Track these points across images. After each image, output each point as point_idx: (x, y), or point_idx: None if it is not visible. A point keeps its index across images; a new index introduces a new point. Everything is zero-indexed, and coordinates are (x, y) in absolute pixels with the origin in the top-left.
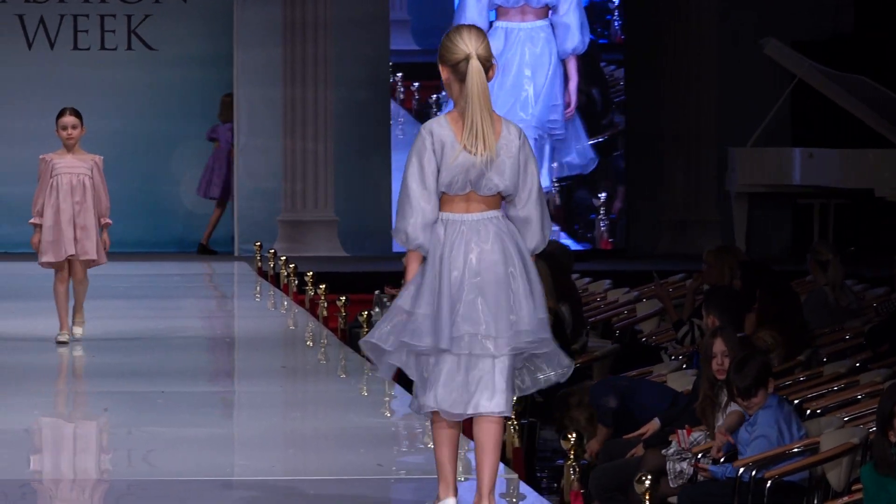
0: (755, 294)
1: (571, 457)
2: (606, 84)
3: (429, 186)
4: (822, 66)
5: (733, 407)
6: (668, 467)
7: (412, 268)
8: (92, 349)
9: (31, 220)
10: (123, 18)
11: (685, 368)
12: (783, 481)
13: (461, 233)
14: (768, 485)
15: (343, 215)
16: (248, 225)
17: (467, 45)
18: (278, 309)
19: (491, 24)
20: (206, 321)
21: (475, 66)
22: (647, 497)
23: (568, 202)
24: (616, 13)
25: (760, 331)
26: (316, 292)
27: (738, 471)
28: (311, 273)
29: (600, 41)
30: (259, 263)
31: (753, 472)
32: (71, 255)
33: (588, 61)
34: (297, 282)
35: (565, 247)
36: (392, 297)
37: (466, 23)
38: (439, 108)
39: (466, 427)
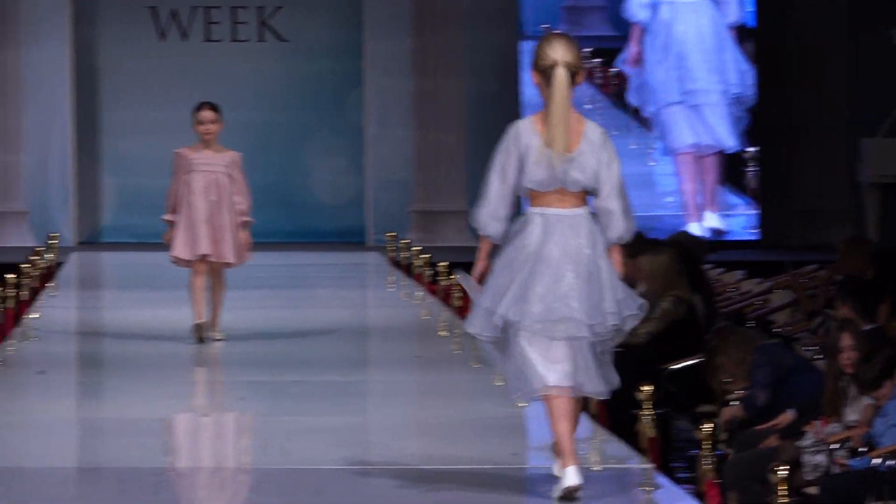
0: (888, 285)
1: (706, 446)
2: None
3: (507, 182)
4: None
5: (866, 399)
6: (804, 459)
7: (483, 250)
8: (229, 339)
9: (164, 217)
10: (255, 10)
11: (819, 359)
12: None
13: (553, 225)
14: None
15: (475, 206)
16: (380, 215)
17: (555, 52)
18: (412, 299)
19: None
20: (341, 311)
21: (560, 73)
22: (784, 488)
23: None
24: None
25: (894, 321)
26: (449, 282)
27: (875, 461)
28: (444, 263)
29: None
30: (392, 253)
31: (890, 462)
32: (205, 256)
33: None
34: (430, 272)
35: (699, 238)
36: None
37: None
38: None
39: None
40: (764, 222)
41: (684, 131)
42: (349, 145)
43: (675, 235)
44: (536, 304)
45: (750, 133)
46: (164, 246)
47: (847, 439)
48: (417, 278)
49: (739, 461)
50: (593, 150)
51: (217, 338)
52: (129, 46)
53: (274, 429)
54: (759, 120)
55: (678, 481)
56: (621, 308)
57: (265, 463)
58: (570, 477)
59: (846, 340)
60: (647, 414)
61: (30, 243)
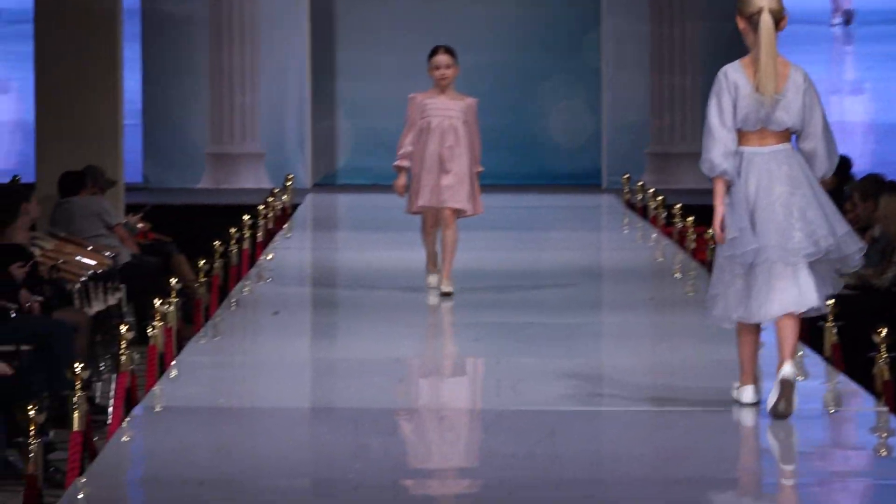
0: None
1: (883, 350)
2: None
3: (727, 122)
4: None
5: None
6: None
7: (719, 193)
8: (463, 281)
9: (396, 163)
10: None
11: None
12: None
13: (756, 163)
14: None
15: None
16: (615, 157)
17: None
18: (646, 241)
19: None
20: (574, 253)
21: (766, 19)
22: None
23: None
24: None
25: None
26: (684, 224)
27: None
28: (679, 205)
29: None
30: (627, 196)
31: None
32: (438, 203)
33: None
34: (665, 214)
35: None
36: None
37: None
38: None
39: None
40: None
41: None
42: (585, 88)
43: None
44: (755, 236)
45: None
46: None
47: None
48: (652, 220)
49: None
50: (798, 92)
51: (445, 290)
52: None
53: (506, 370)
54: None
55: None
56: (834, 227)
57: (498, 404)
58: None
59: None
60: (883, 357)
61: (266, 185)
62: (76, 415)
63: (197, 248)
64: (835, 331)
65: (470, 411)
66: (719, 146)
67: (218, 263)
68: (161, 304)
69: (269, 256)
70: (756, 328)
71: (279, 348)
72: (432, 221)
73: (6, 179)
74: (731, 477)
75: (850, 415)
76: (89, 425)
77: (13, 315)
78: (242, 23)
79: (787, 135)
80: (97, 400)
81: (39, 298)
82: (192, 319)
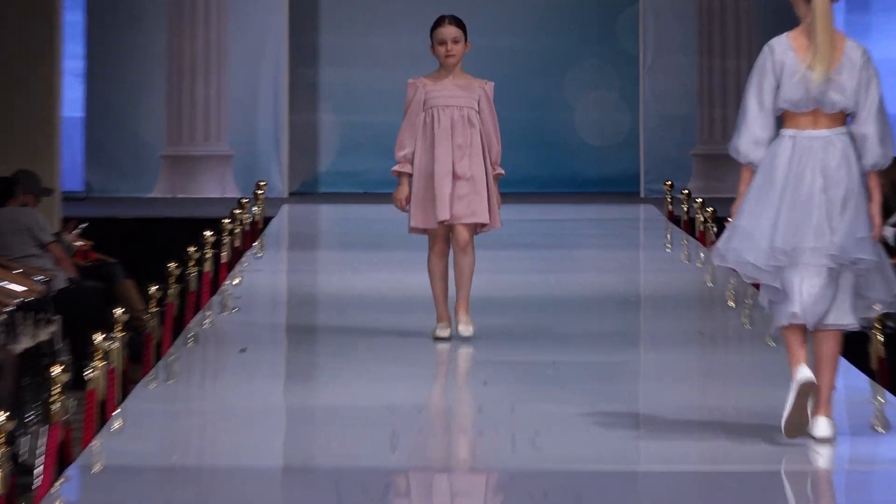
0: None
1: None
2: None
3: (765, 106)
4: None
5: None
6: None
7: (744, 180)
8: (471, 310)
9: (396, 168)
10: None
11: None
12: None
13: (808, 149)
14: None
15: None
16: (655, 160)
17: None
18: (693, 261)
19: None
20: (606, 276)
21: None
22: None
23: None
24: None
25: None
26: None
27: None
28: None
29: None
30: (670, 206)
31: None
32: (450, 218)
33: None
34: (716, 228)
35: None
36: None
37: None
38: None
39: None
40: None
41: None
42: (619, 76)
43: None
44: (785, 232)
45: None
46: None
47: None
48: (700, 237)
49: None
50: (853, 70)
51: (464, 333)
52: None
53: (523, 421)
54: None
55: None
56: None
57: (512, 463)
58: (821, 428)
59: None
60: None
61: (233, 194)
62: None
63: (148, 270)
64: (881, 340)
65: (478, 471)
66: (750, 132)
67: (173, 290)
68: (103, 339)
69: (236, 281)
70: (803, 331)
71: (247, 394)
72: (443, 243)
73: None
74: None
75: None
76: (13, 489)
77: None
78: (209, 1)
79: (843, 117)
80: (23, 458)
81: None
82: (140, 358)
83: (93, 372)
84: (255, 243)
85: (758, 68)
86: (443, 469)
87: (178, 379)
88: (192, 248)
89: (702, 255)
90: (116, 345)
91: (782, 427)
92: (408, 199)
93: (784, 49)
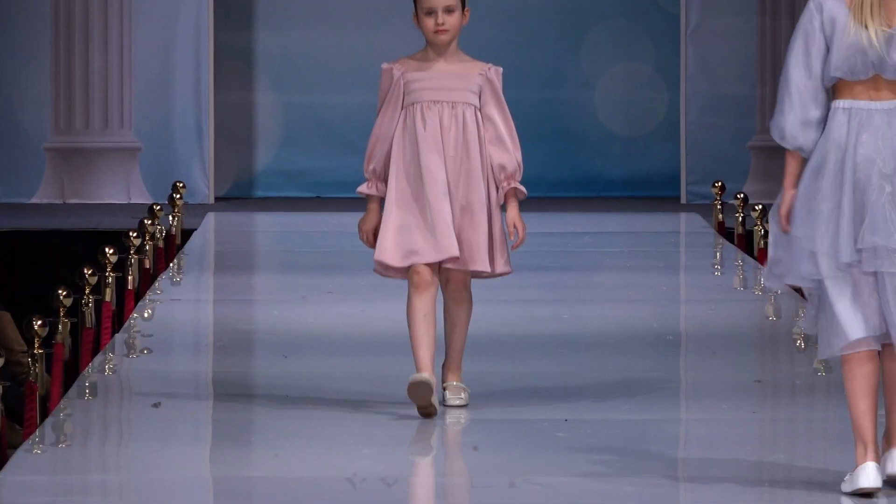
0: None
1: None
2: None
3: (814, 75)
4: None
5: None
6: None
7: (790, 171)
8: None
9: (362, 189)
10: None
11: None
12: None
13: (868, 125)
14: None
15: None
16: (700, 156)
17: None
18: (751, 288)
19: None
20: (637, 308)
21: None
22: None
23: None
24: None
25: None
26: None
27: None
28: None
29: None
30: (720, 215)
31: None
32: (436, 257)
33: None
34: None
35: None
36: None
37: None
38: None
39: None
40: None
41: None
42: (654, 44)
43: None
44: (849, 236)
45: None
46: (354, 206)
47: None
48: (760, 255)
49: None
50: None
51: (453, 401)
52: None
53: (527, 499)
54: None
55: None
56: None
57: None
58: (867, 476)
59: None
60: None
61: (142, 199)
62: None
63: (30, 300)
64: None
65: None
66: (796, 111)
67: (63, 325)
68: None
69: (147, 314)
70: (873, 357)
71: (162, 462)
72: (426, 289)
73: None
74: None
75: None
76: None
77: None
78: None
79: None
80: None
81: None
82: (20, 416)
83: None
84: (172, 264)
85: (802, 29)
86: None
87: (71, 443)
88: (87, 271)
89: (761, 279)
90: None
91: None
92: (376, 230)
93: (835, 4)
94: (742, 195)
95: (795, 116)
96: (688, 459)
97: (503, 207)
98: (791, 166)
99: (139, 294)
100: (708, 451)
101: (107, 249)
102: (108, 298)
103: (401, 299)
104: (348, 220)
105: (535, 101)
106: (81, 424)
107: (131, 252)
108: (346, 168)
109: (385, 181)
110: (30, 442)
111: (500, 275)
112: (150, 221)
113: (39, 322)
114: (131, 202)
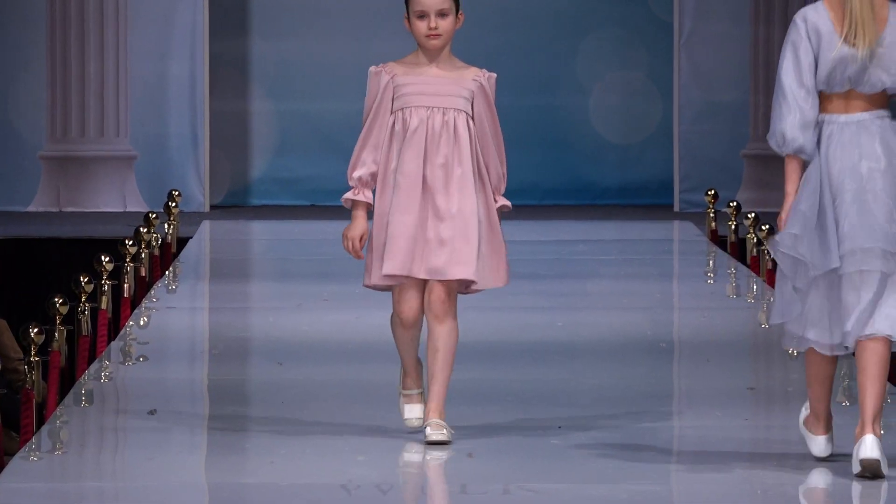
0: None
1: None
2: None
3: (806, 83)
4: None
5: None
6: None
7: (791, 176)
8: (455, 361)
9: (348, 196)
10: None
11: None
12: None
13: (841, 136)
14: None
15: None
16: (695, 162)
17: None
18: (743, 296)
19: None
20: (630, 315)
21: None
22: None
23: None
24: None
25: None
26: None
27: None
28: None
29: None
30: (713, 224)
31: None
32: (424, 272)
33: None
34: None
35: None
36: None
37: None
38: None
39: None
40: None
41: None
42: (648, 51)
43: None
44: (827, 236)
45: None
46: (350, 214)
47: None
48: (752, 263)
49: None
50: None
51: (433, 437)
52: None
53: (514, 503)
54: None
55: None
56: None
57: None
58: (817, 446)
59: None
60: None
61: (137, 207)
62: None
63: (26, 307)
64: None
65: None
66: (794, 114)
67: (59, 333)
68: None
69: (142, 322)
70: (832, 359)
71: (157, 470)
72: (413, 303)
73: None
74: None
75: None
76: None
77: None
78: None
79: (884, 99)
80: None
81: None
82: (16, 423)
83: None
84: (167, 272)
85: (791, 42)
86: None
87: (67, 450)
88: (83, 279)
89: (755, 286)
90: None
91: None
92: (364, 241)
93: (818, 18)
94: (735, 203)
95: (794, 119)
96: (681, 466)
97: None
98: (793, 170)
99: (135, 302)
100: (701, 458)
101: (103, 257)
102: (104, 306)
103: (390, 308)
104: (344, 228)
105: (530, 109)
106: (77, 432)
107: (127, 260)
108: (341, 176)
109: (371, 189)
110: (26, 449)
111: (489, 286)
112: (145, 229)
113: (36, 330)
114: (127, 210)
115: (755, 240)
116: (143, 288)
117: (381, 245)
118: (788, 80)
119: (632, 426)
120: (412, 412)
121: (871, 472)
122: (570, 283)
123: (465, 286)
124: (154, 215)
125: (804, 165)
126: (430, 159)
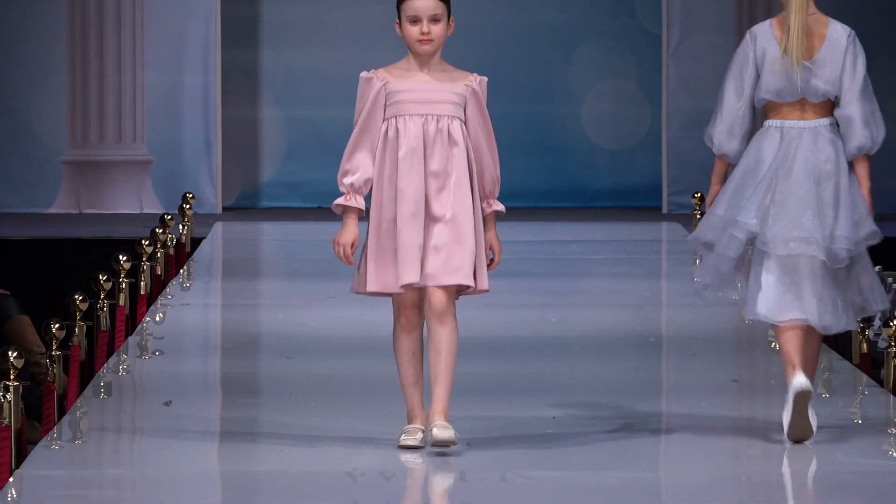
0: None
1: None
2: None
3: (744, 96)
4: None
5: None
6: None
7: (718, 172)
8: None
9: (339, 202)
10: None
11: None
12: None
13: (792, 139)
14: None
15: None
16: (681, 165)
17: None
18: (728, 293)
19: None
20: (621, 312)
21: None
22: None
23: None
24: None
25: None
26: None
27: None
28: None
29: None
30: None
31: None
32: (420, 279)
33: None
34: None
35: None
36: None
37: None
38: None
39: None
40: None
41: None
42: (638, 61)
43: None
44: (771, 223)
45: None
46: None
47: None
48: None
49: None
50: (835, 54)
51: (439, 436)
52: None
53: (518, 492)
54: None
55: None
56: (856, 231)
57: None
58: (798, 381)
59: None
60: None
61: (153, 209)
62: None
63: (48, 304)
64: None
65: None
66: (725, 122)
67: (79, 328)
68: None
69: (158, 317)
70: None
71: (173, 458)
72: (413, 312)
73: None
74: None
75: None
76: None
77: None
78: None
79: (831, 107)
80: None
81: None
82: (38, 414)
83: None
84: (182, 271)
85: (738, 57)
86: None
87: (87, 439)
88: (102, 277)
89: (739, 285)
90: (9, 397)
91: (785, 433)
92: (356, 247)
93: (765, 36)
94: None
95: (724, 127)
96: (669, 454)
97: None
98: (719, 167)
99: (151, 299)
100: (688, 446)
101: (120, 257)
102: (121, 303)
103: (378, 303)
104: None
105: (525, 116)
106: (96, 422)
107: (143, 259)
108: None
109: (363, 194)
110: (48, 438)
111: (482, 292)
112: (161, 230)
113: (57, 325)
114: (143, 212)
115: None
116: (158, 286)
117: (381, 252)
118: (728, 92)
119: (622, 417)
120: (411, 440)
121: (804, 399)
122: (563, 281)
123: (461, 290)
124: (169, 217)
125: (731, 166)
126: (425, 167)
